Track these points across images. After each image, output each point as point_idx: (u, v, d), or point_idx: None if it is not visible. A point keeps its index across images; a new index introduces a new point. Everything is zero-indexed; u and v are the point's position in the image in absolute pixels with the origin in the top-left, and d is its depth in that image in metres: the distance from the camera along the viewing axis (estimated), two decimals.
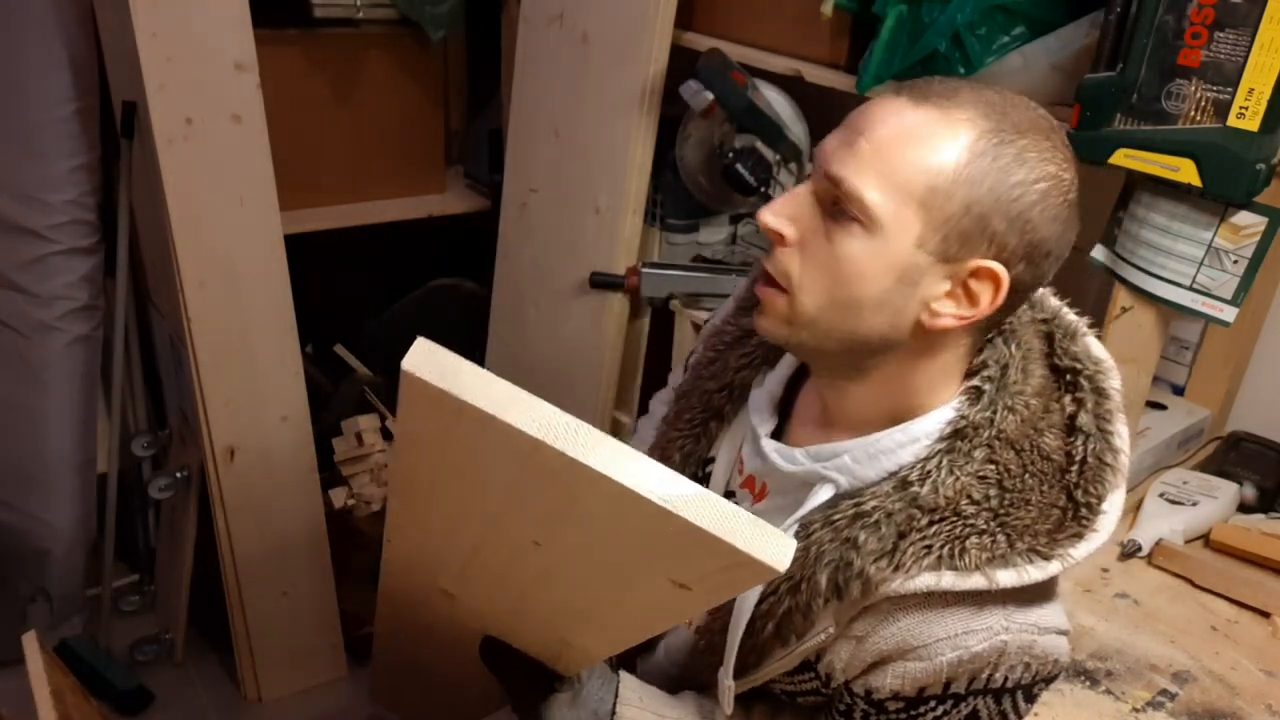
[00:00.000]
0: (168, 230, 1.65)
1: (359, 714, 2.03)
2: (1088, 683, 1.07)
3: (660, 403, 1.13)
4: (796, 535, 0.78)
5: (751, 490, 0.88)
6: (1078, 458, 0.74)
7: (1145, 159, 1.07)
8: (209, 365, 1.75)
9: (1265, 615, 1.18)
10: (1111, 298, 1.20)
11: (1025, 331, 0.79)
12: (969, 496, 0.72)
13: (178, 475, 1.95)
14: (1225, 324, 1.12)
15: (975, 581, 0.71)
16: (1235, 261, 1.10)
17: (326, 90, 1.97)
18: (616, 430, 1.84)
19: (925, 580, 0.72)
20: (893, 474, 0.76)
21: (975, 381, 0.76)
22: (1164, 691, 1.07)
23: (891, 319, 0.72)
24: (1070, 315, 0.82)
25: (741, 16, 1.56)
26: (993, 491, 0.73)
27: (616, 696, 0.86)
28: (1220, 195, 1.06)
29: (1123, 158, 1.08)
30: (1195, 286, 1.12)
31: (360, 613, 2.04)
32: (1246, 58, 0.97)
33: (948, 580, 0.72)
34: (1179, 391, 1.52)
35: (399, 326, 2.24)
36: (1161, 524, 1.26)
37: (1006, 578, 0.71)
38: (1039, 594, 0.75)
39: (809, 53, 1.46)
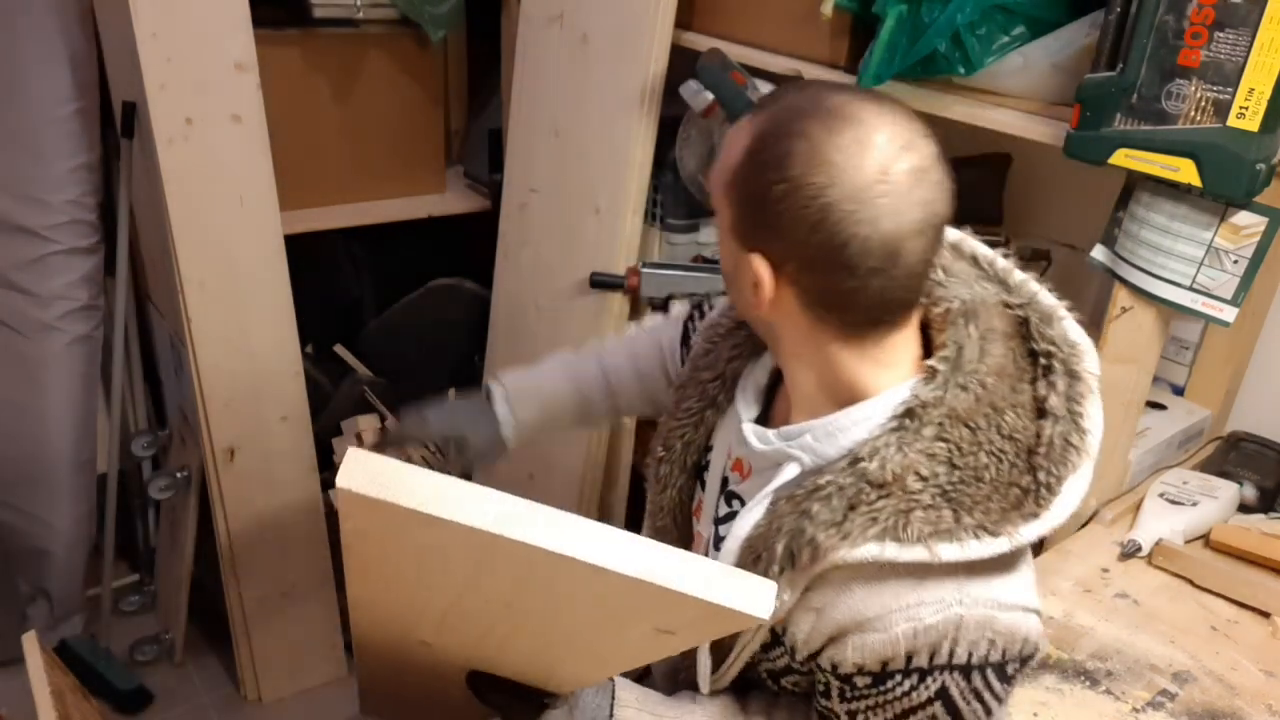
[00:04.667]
0: (168, 230, 1.65)
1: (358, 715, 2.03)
2: (1088, 683, 1.07)
3: (656, 324, 1.20)
4: (766, 511, 0.82)
5: (740, 472, 0.91)
6: (1045, 439, 0.76)
7: (1145, 159, 1.07)
8: (209, 365, 1.76)
9: (1265, 615, 1.18)
10: (1111, 298, 1.20)
11: (988, 313, 0.80)
12: (916, 473, 0.74)
13: (178, 475, 1.95)
14: (1225, 324, 1.12)
15: (917, 553, 0.73)
16: (1235, 261, 1.10)
17: (326, 90, 1.97)
18: (617, 429, 1.84)
19: (870, 549, 0.74)
20: (849, 451, 0.78)
21: (932, 361, 0.78)
22: (1164, 691, 1.07)
23: (741, 299, 0.80)
24: (1048, 299, 0.82)
25: (741, 16, 1.56)
26: (941, 469, 0.74)
27: (614, 700, 0.87)
28: (1220, 195, 1.06)
29: (1123, 158, 1.08)
30: (1195, 286, 1.12)
31: None
32: (1246, 58, 0.97)
33: (891, 551, 0.73)
34: (1179, 391, 1.52)
35: (399, 326, 2.23)
36: (1161, 524, 1.26)
37: (949, 551, 0.73)
38: (995, 569, 0.75)
39: (809, 53, 1.46)
